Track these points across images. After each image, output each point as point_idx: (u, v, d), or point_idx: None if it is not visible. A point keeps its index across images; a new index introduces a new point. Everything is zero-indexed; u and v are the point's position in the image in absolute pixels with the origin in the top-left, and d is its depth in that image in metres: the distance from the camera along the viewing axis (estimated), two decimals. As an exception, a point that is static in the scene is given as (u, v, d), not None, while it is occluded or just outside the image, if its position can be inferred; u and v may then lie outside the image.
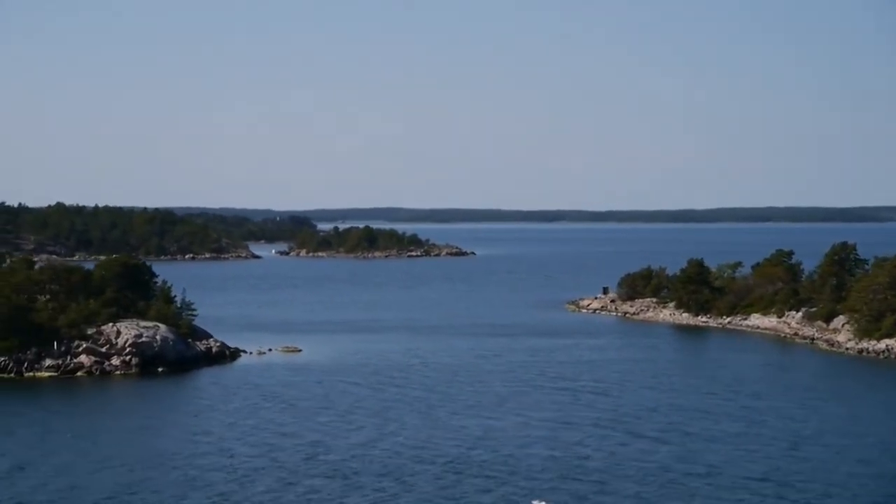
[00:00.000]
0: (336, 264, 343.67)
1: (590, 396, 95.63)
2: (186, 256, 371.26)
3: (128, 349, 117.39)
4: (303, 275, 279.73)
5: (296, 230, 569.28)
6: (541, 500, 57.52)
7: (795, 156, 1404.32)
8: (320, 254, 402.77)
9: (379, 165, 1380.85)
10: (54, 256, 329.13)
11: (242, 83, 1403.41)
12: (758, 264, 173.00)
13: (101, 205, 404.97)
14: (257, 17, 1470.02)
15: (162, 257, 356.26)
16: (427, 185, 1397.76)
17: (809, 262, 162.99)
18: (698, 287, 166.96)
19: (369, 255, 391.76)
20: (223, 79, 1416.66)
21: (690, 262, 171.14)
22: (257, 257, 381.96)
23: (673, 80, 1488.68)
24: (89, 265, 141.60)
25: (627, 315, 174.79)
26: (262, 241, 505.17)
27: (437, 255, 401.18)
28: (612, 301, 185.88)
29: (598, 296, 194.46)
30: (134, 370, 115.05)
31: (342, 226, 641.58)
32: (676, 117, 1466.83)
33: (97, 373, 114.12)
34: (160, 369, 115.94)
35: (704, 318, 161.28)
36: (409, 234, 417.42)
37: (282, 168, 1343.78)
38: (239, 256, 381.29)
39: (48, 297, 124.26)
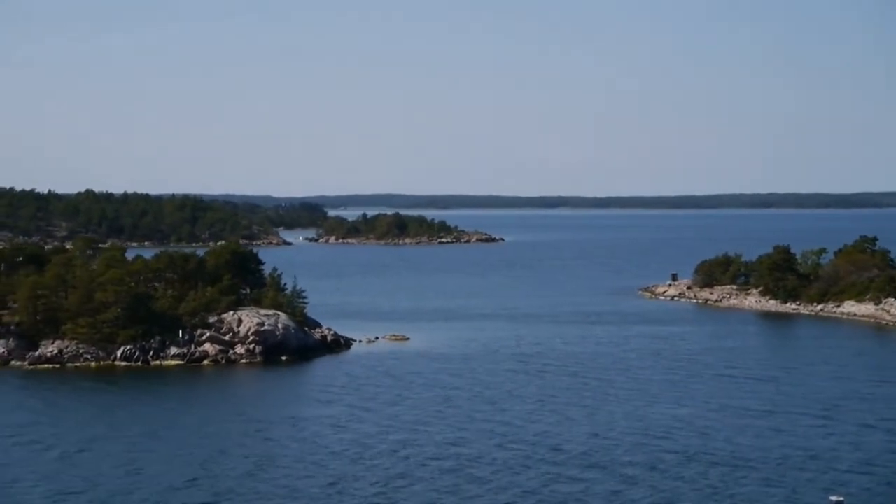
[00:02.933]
0: (373, 251, 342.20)
1: (758, 384, 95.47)
2: (218, 243, 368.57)
3: (251, 337, 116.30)
4: (355, 261, 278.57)
5: (312, 217, 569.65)
6: (839, 496, 56.24)
7: (796, 142, 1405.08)
8: (350, 240, 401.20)
9: (378, 152, 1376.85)
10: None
11: (242, 73, 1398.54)
12: (840, 250, 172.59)
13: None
14: (255, 7, 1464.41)
15: (193, 244, 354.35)
16: (426, 172, 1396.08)
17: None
18: (784, 274, 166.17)
19: (400, 242, 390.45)
20: (223, 69, 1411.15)
21: (776, 248, 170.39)
22: (288, 244, 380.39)
23: (672, 66, 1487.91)
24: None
25: (709, 302, 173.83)
26: (282, 228, 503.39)
27: (468, 241, 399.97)
28: (689, 288, 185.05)
29: (669, 283, 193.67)
30: (258, 359, 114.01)
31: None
32: (676, 104, 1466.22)
33: (223, 361, 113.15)
34: (283, 358, 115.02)
35: (794, 306, 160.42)
36: (437, 220, 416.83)
37: (280, 155, 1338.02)
38: (270, 243, 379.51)
39: (164, 284, 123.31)
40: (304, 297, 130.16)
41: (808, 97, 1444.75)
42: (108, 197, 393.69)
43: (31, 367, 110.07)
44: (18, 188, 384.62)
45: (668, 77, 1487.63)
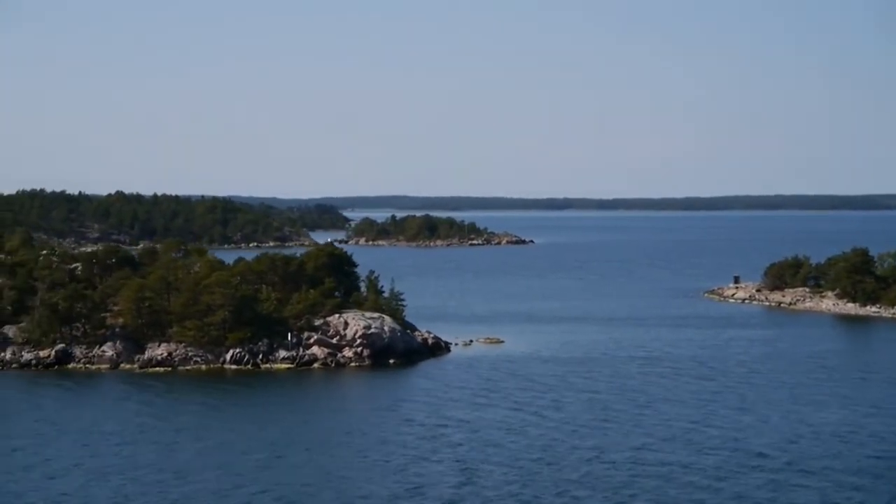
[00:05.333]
0: (407, 253, 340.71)
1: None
2: (251, 245, 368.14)
3: (358, 340, 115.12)
4: (398, 263, 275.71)
5: (333, 219, 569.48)
6: None
7: (802, 143, 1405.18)
8: (380, 242, 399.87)
9: (382, 154, 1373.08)
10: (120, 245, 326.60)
11: (242, 75, 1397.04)
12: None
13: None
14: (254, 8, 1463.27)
15: (226, 246, 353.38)
16: (431, 174, 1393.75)
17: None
18: (862, 277, 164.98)
19: (431, 244, 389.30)
20: (222, 70, 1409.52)
21: (854, 251, 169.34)
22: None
23: (678, 67, 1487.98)
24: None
25: (782, 305, 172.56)
26: (304, 230, 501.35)
27: (498, 243, 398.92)
28: (758, 290, 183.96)
29: (736, 285, 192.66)
30: (366, 362, 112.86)
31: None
32: (681, 105, 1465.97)
33: (332, 364, 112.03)
34: (391, 361, 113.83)
35: (874, 309, 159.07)
36: (466, 222, 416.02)
37: (282, 158, 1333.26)
38: (303, 245, 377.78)
39: (266, 286, 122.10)
40: (402, 300, 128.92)
41: (814, 98, 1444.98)
42: (139, 199, 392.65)
43: (142, 370, 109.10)
44: (48, 189, 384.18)
45: (672, 78, 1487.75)
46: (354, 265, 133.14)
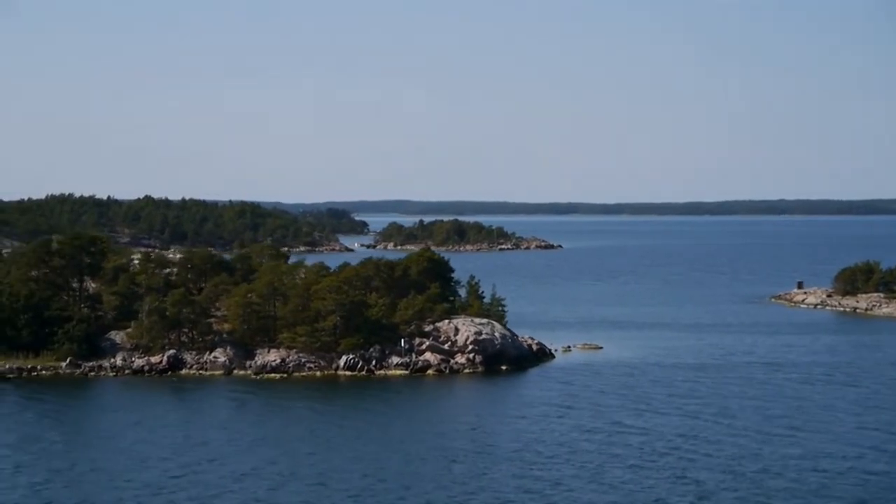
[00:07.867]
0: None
1: None
2: (282, 250, 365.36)
3: (470, 346, 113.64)
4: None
5: (351, 224, 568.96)
6: None
7: (805, 148, 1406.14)
8: (409, 247, 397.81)
9: (385, 157, 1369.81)
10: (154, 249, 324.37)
11: (245, 76, 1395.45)
12: None
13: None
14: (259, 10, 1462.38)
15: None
16: (434, 178, 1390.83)
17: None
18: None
19: (460, 249, 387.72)
20: (222, 71, 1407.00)
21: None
22: (350, 250, 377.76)
23: (683, 72, 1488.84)
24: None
25: (857, 311, 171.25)
26: (333, 235, 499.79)
27: (528, 248, 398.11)
28: (829, 295, 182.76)
29: (804, 290, 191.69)
30: (479, 368, 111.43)
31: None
32: (685, 109, 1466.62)
33: (446, 371, 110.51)
34: (503, 367, 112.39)
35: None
36: (495, 227, 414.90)
37: (286, 161, 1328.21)
38: (333, 249, 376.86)
39: (371, 292, 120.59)
40: (504, 305, 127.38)
41: (818, 102, 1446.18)
42: (167, 203, 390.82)
43: (256, 375, 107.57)
44: (77, 194, 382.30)
45: (675, 82, 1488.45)
46: (452, 270, 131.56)
